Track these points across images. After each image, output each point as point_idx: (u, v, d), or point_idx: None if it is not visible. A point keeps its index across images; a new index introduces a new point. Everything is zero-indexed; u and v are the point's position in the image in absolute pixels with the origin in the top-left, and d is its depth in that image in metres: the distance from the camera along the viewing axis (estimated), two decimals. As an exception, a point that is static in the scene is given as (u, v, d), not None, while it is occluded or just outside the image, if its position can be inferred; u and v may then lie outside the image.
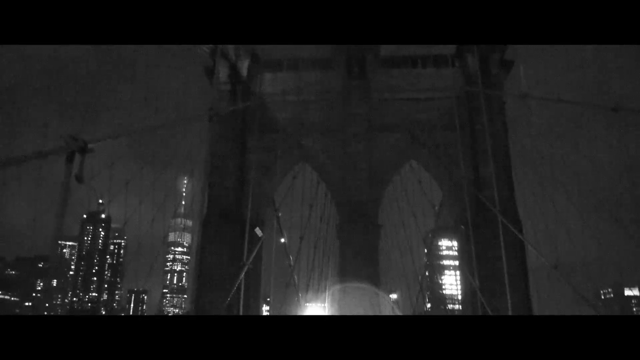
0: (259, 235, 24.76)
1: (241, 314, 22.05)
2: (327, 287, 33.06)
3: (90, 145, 8.17)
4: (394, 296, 44.87)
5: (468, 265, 24.30)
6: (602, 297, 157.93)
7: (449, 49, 26.15)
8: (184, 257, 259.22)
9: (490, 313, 20.04)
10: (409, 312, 39.21)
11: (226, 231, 22.78)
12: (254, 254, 21.16)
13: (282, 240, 32.06)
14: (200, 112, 27.05)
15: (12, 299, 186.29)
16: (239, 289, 22.76)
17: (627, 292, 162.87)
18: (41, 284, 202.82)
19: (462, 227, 25.30)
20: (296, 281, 31.11)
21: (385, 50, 26.21)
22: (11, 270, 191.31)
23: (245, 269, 20.63)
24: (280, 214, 29.85)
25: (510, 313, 19.60)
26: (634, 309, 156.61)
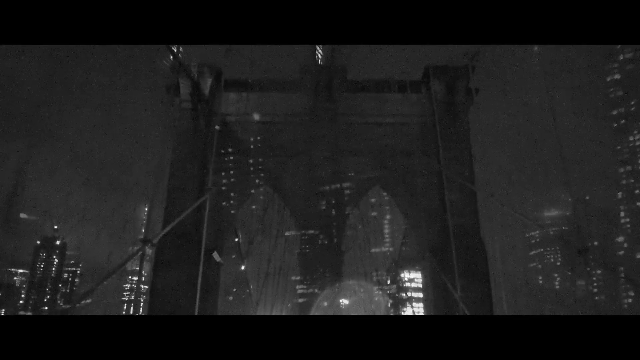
0: (217, 261, 23.59)
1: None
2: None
3: None
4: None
5: (434, 294, 23.76)
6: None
7: (416, 75, 26.17)
8: (143, 286, 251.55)
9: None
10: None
11: (182, 255, 21.67)
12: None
13: (242, 267, 30.89)
14: (162, 131, 26.14)
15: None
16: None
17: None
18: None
19: (428, 254, 24.80)
20: (256, 311, 29.99)
21: (353, 74, 26.04)
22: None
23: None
24: (240, 240, 28.80)
25: None
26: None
